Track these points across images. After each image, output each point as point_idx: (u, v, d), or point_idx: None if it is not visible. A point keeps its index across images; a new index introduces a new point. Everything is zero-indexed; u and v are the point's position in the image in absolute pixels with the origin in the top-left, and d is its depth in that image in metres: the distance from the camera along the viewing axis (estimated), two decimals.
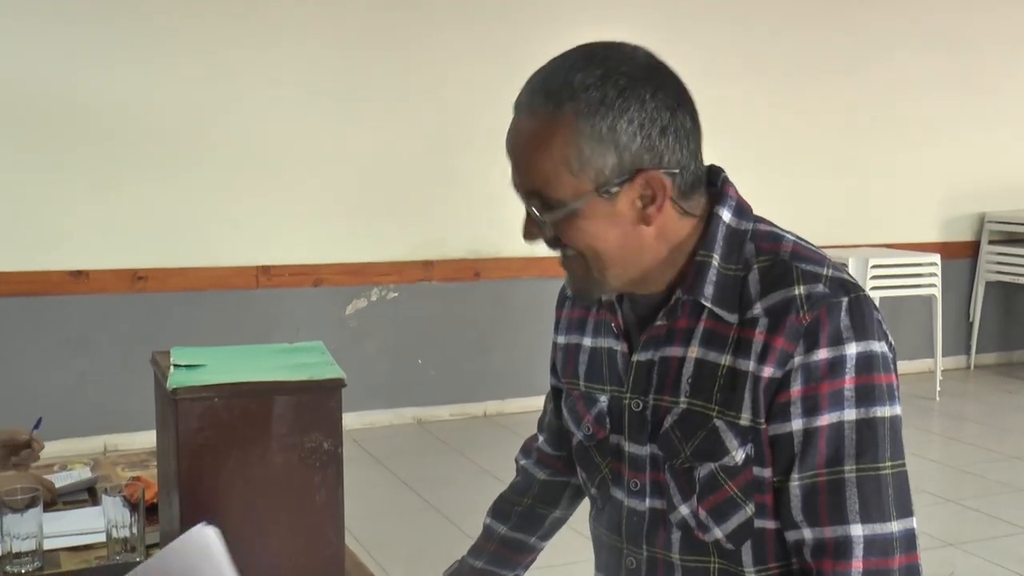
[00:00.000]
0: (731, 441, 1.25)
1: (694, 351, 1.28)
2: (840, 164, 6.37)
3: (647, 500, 1.34)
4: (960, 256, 6.78)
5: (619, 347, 1.37)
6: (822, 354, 1.19)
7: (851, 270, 5.92)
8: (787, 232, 1.32)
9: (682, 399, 1.29)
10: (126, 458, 2.69)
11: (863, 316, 1.20)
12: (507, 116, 1.26)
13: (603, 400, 1.40)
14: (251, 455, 1.61)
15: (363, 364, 5.08)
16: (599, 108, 1.16)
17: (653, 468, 1.33)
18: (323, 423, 1.63)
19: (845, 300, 1.20)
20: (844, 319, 1.19)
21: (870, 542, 1.18)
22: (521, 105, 1.22)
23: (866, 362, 1.19)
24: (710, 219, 1.28)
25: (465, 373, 5.65)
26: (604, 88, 1.16)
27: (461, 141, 5.40)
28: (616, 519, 1.40)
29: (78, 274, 4.87)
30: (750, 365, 1.22)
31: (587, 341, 1.45)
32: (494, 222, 5.49)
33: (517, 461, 1.72)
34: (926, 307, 6.26)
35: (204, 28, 4.97)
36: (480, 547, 1.68)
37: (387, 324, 5.46)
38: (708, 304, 1.26)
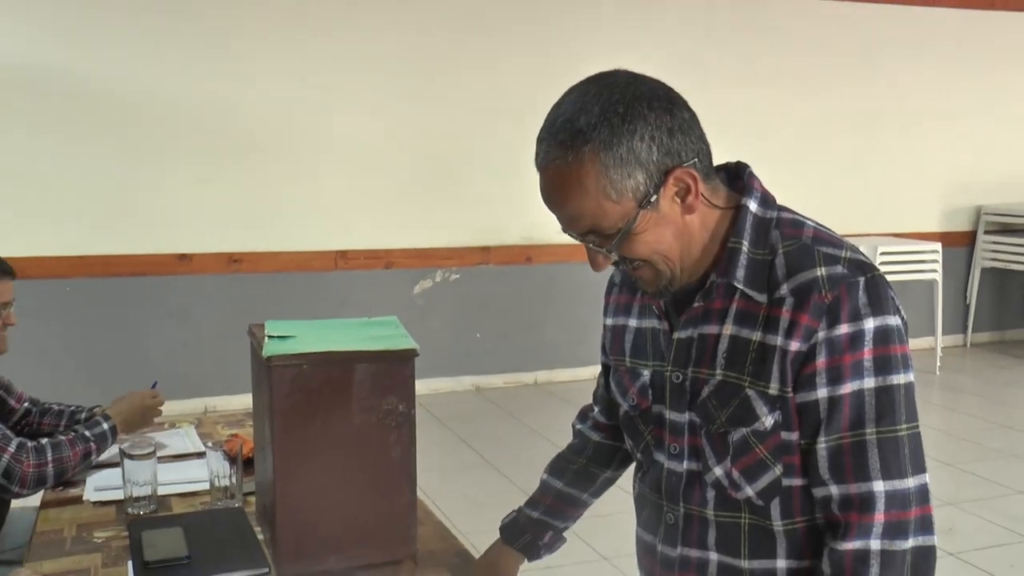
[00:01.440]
0: (761, 408, 1.22)
1: (728, 328, 1.25)
2: (853, 160, 6.27)
3: (684, 462, 1.33)
4: (959, 244, 6.66)
5: (661, 327, 1.35)
6: (843, 329, 1.16)
7: None
8: (808, 219, 1.30)
9: (718, 371, 1.27)
10: (225, 417, 2.72)
11: (879, 294, 1.17)
12: None
13: (646, 374, 1.39)
14: (335, 415, 1.61)
15: (428, 337, 5.09)
16: (612, 139, 1.14)
17: (691, 433, 1.31)
18: (398, 388, 1.63)
19: (863, 279, 1.17)
20: (862, 297, 1.16)
21: (890, 496, 1.16)
22: (544, 163, 1.20)
23: (883, 335, 1.16)
24: (739, 210, 1.26)
25: (518, 346, 5.64)
26: (608, 120, 1.14)
27: (519, 136, 5.37)
28: (657, 479, 1.38)
29: (183, 257, 4.93)
30: (778, 340, 1.20)
31: (632, 322, 1.43)
32: (545, 212, 5.44)
33: (574, 426, 1.71)
34: (928, 290, 6.17)
35: (285, 33, 4.99)
36: (536, 500, 1.66)
37: (450, 302, 5.46)
38: (740, 286, 1.24)
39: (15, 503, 2.26)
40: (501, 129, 5.36)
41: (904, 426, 1.18)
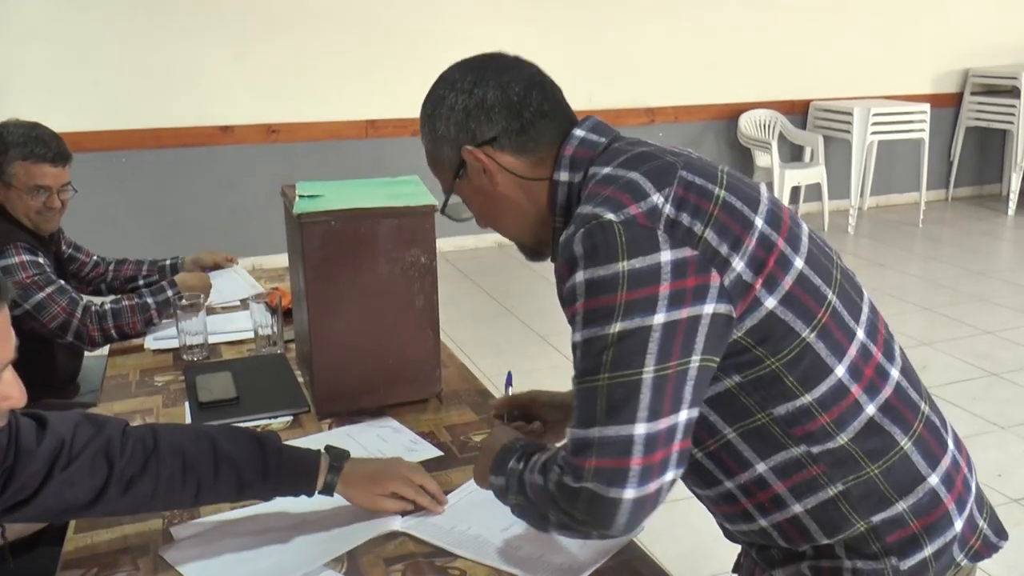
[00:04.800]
0: None
1: None
2: (849, 26, 6.00)
3: None
4: (946, 105, 6.43)
5: None
6: (567, 284, 1.01)
7: (855, 118, 5.68)
8: (617, 159, 1.08)
9: None
10: (267, 273, 2.72)
11: (594, 244, 0.98)
12: None
13: None
14: (362, 267, 1.58)
15: None
16: (426, 121, 1.17)
17: None
18: (420, 241, 1.59)
19: (583, 230, 0.99)
20: (578, 248, 0.99)
21: (603, 443, 0.97)
22: None
23: (594, 286, 0.98)
24: (551, 185, 1.13)
25: None
26: (425, 107, 1.17)
27: (542, 8, 5.21)
28: None
29: (225, 129, 4.83)
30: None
31: None
32: (559, 78, 5.31)
33: None
34: (915, 149, 6.01)
35: None
36: None
37: None
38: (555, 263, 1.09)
39: (88, 353, 2.30)
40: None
41: (605, 376, 0.97)
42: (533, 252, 1.22)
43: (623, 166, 1.06)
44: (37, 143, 2.07)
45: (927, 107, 5.83)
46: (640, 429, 0.96)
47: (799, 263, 1.04)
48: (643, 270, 0.97)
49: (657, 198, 1.00)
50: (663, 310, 0.96)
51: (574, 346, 1.01)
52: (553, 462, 1.04)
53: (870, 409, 1.04)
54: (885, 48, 6.17)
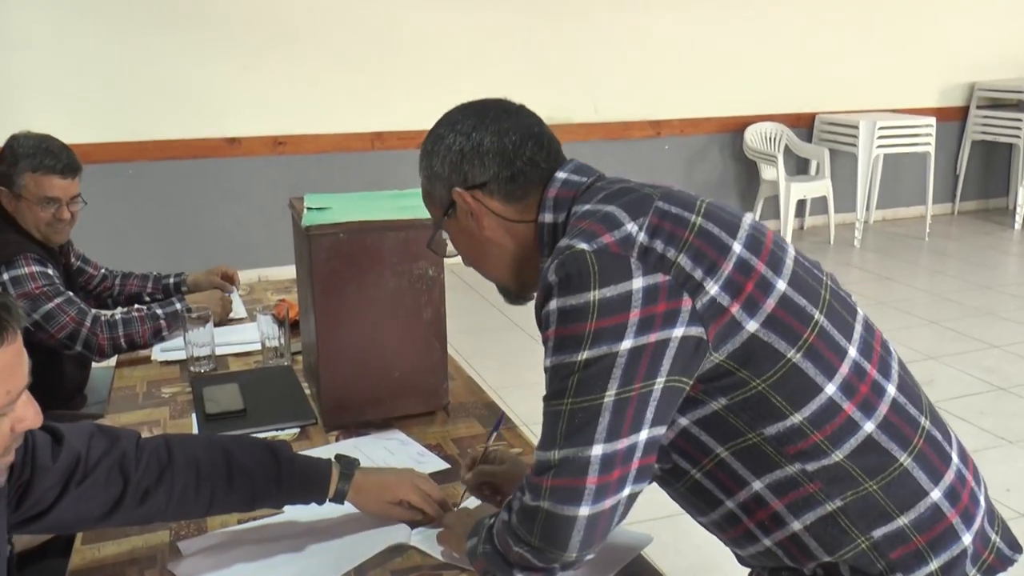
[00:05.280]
0: None
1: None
2: (855, 39, 6.01)
3: None
4: (952, 119, 6.43)
5: None
6: (543, 312, 1.04)
7: (861, 132, 5.68)
8: (597, 196, 1.10)
9: None
10: (274, 285, 2.73)
11: (568, 274, 1.00)
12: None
13: None
14: (370, 280, 1.58)
15: None
16: (424, 157, 1.19)
17: None
18: (427, 254, 1.58)
19: (556, 262, 1.02)
20: (552, 278, 1.01)
21: (561, 464, 1.00)
22: None
23: (565, 315, 1.00)
24: (537, 227, 1.16)
25: None
26: (426, 144, 1.19)
27: (549, 22, 5.23)
28: None
29: (232, 140, 4.85)
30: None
31: None
32: (566, 91, 5.34)
33: None
34: (922, 162, 6.01)
35: None
36: None
37: None
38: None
39: (95, 364, 2.30)
40: (530, 14, 5.18)
41: (568, 401, 1.00)
42: (516, 296, 1.25)
43: (602, 201, 1.08)
44: (46, 155, 2.08)
45: (933, 120, 5.83)
46: (596, 450, 0.98)
47: (781, 285, 1.04)
48: (613, 298, 0.98)
49: (632, 227, 1.02)
50: (631, 336, 0.98)
51: (545, 370, 1.03)
52: (518, 490, 1.07)
53: (867, 426, 1.04)
54: (891, 61, 6.17)
